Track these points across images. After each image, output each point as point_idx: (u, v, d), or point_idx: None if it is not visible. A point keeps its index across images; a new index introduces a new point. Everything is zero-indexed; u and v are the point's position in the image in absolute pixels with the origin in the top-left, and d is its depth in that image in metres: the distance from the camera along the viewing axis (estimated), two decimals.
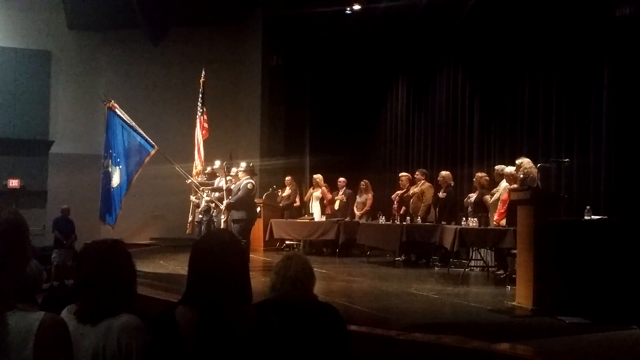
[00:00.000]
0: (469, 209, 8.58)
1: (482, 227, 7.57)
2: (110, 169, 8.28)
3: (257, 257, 10.23)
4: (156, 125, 11.55)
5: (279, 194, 12.15)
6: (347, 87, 13.62)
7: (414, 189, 10.01)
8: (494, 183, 8.41)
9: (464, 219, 8.24)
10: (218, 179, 9.66)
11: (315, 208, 11.67)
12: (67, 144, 14.25)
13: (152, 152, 8.12)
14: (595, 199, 7.81)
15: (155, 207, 13.86)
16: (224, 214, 8.43)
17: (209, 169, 10.34)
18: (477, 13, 10.47)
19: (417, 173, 10.22)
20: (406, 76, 13.00)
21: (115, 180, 8.22)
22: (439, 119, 11.82)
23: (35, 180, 14.22)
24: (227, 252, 1.93)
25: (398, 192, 10.46)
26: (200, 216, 9.83)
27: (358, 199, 11.33)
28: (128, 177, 8.14)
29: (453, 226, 8.16)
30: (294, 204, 12.05)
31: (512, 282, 6.35)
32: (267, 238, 11.37)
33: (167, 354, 1.85)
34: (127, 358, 1.93)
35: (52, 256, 11.68)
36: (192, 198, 10.03)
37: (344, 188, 11.50)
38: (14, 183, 14.03)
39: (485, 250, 8.10)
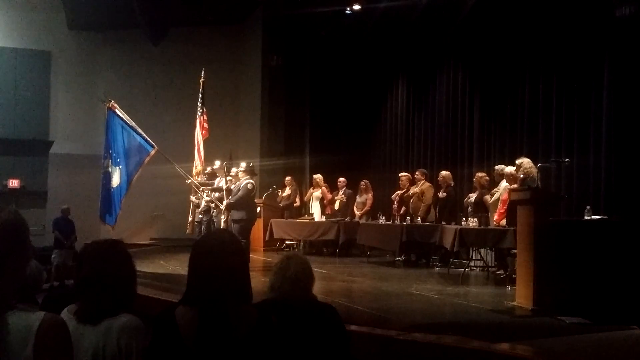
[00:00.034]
0: (469, 209, 8.58)
1: (482, 227, 7.57)
2: (110, 169, 8.28)
3: (257, 257, 10.23)
4: (156, 125, 11.56)
5: (279, 194, 12.15)
6: (347, 87, 13.62)
7: (414, 189, 10.01)
8: (494, 183, 8.41)
9: (464, 219, 8.24)
10: (218, 179, 9.66)
11: (315, 208, 11.67)
12: (67, 144, 14.25)
13: (152, 152, 8.12)
14: (595, 199, 7.81)
15: (155, 207, 13.85)
16: (224, 214, 8.43)
17: (209, 169, 10.34)
18: (477, 13, 10.47)
19: (417, 173, 10.22)
20: (406, 76, 13.00)
21: (115, 180, 8.23)
22: (439, 119, 11.81)
23: (35, 180, 14.22)
24: (227, 252, 1.93)
25: (398, 192, 10.46)
26: (200, 216, 9.83)
27: (358, 199, 11.33)
28: (128, 178, 8.15)
29: (453, 226, 8.16)
30: (294, 204, 12.06)
31: (512, 282, 6.36)
32: (267, 238, 11.37)
33: (167, 354, 1.85)
34: (127, 358, 1.93)
35: (52, 256, 11.68)
36: (192, 198, 10.03)
37: (344, 188, 11.50)
38: (14, 183, 14.04)
39: (485, 250, 8.11)
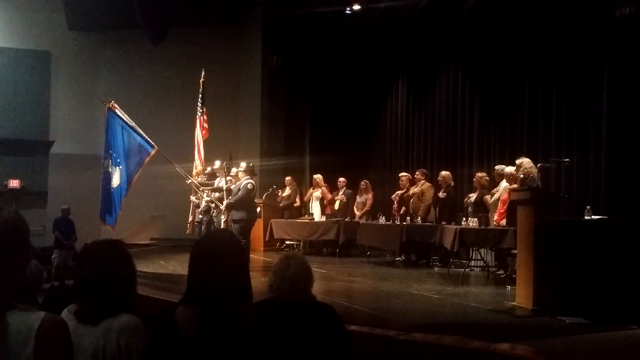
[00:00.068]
0: (469, 209, 8.58)
1: (482, 227, 7.57)
2: (110, 170, 8.29)
3: (257, 257, 10.23)
4: (156, 125, 11.55)
5: (279, 194, 12.14)
6: (347, 87, 13.61)
7: (414, 189, 10.01)
8: (494, 183, 8.41)
9: (464, 219, 8.24)
10: (218, 179, 9.66)
11: (315, 208, 11.67)
12: (67, 144, 14.25)
13: (152, 152, 8.12)
14: (595, 199, 7.81)
15: (155, 207, 13.85)
16: (224, 214, 8.43)
17: (209, 169, 10.35)
18: (477, 13, 10.46)
19: (417, 173, 10.22)
20: (406, 76, 13.00)
21: (116, 180, 8.23)
22: (439, 119, 11.81)
23: (35, 180, 14.22)
24: (227, 252, 1.93)
25: (398, 192, 10.46)
26: (200, 216, 9.83)
27: (358, 199, 11.33)
28: (128, 178, 8.15)
29: (453, 226, 8.16)
30: (294, 204, 12.06)
31: (512, 282, 6.35)
32: (267, 238, 11.37)
33: (167, 354, 1.85)
34: (126, 358, 1.93)
35: (52, 256, 11.68)
36: (192, 198, 10.04)
37: (344, 188, 11.50)
38: (14, 183, 14.04)
39: (485, 250, 8.10)
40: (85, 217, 11.66)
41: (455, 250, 7.78)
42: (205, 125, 11.03)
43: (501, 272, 7.71)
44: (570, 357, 3.98)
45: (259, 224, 10.59)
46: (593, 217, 5.96)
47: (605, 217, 6.29)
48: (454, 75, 11.49)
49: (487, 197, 8.30)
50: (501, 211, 7.66)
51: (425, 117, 12.31)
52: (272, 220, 11.35)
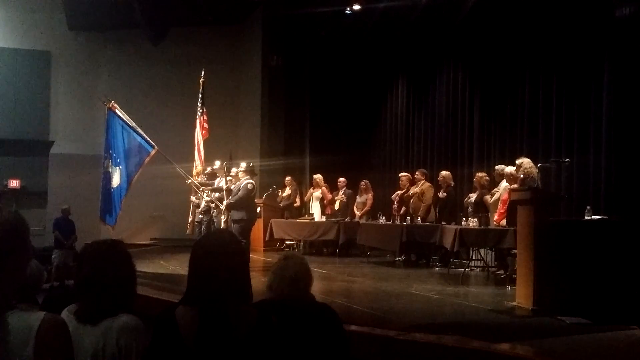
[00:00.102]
0: (469, 209, 8.58)
1: (482, 227, 7.57)
2: (110, 170, 8.29)
3: (257, 257, 10.23)
4: (156, 125, 11.55)
5: (279, 194, 12.14)
6: (347, 87, 13.61)
7: (414, 189, 10.01)
8: (494, 183, 8.42)
9: (464, 219, 8.24)
10: (218, 179, 9.66)
11: (315, 208, 11.66)
12: (67, 144, 14.25)
13: (152, 152, 8.12)
14: (595, 199, 7.81)
15: (155, 207, 13.85)
16: (224, 214, 8.43)
17: (209, 169, 10.34)
18: (477, 13, 10.46)
19: (417, 173, 10.23)
20: (406, 76, 13.00)
21: (116, 180, 8.23)
22: (439, 119, 11.81)
23: (35, 180, 14.21)
24: (227, 252, 1.93)
25: (398, 192, 10.46)
26: (200, 216, 9.83)
27: (358, 199, 11.33)
28: (128, 178, 8.15)
29: (453, 226, 8.16)
30: (294, 204, 12.06)
31: (512, 282, 6.35)
32: (267, 238, 11.37)
33: (167, 354, 1.85)
34: (126, 358, 1.93)
35: (53, 256, 11.68)
36: (192, 198, 10.04)
37: (344, 188, 11.50)
38: (14, 183, 14.04)
39: (486, 250, 8.10)
40: (85, 217, 11.65)
41: (455, 250, 7.79)
42: (205, 125, 11.03)
43: (501, 272, 7.71)
44: (570, 357, 3.99)
45: (259, 224, 10.59)
46: (593, 217, 5.97)
47: (605, 217, 6.29)
48: (454, 75, 11.49)
49: (487, 197, 8.30)
50: (501, 211, 7.66)
51: (425, 117, 12.31)
52: (272, 220, 11.35)
